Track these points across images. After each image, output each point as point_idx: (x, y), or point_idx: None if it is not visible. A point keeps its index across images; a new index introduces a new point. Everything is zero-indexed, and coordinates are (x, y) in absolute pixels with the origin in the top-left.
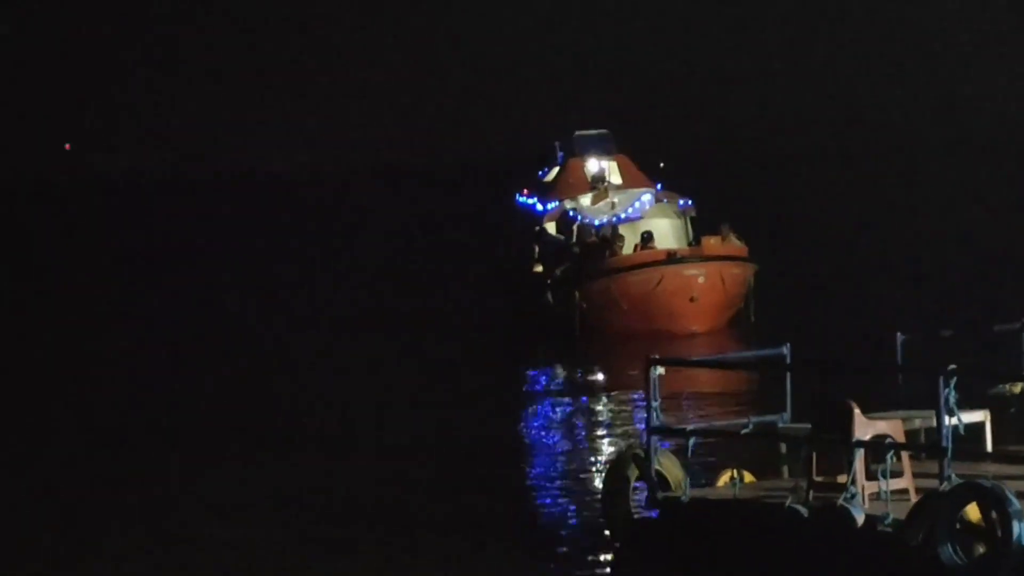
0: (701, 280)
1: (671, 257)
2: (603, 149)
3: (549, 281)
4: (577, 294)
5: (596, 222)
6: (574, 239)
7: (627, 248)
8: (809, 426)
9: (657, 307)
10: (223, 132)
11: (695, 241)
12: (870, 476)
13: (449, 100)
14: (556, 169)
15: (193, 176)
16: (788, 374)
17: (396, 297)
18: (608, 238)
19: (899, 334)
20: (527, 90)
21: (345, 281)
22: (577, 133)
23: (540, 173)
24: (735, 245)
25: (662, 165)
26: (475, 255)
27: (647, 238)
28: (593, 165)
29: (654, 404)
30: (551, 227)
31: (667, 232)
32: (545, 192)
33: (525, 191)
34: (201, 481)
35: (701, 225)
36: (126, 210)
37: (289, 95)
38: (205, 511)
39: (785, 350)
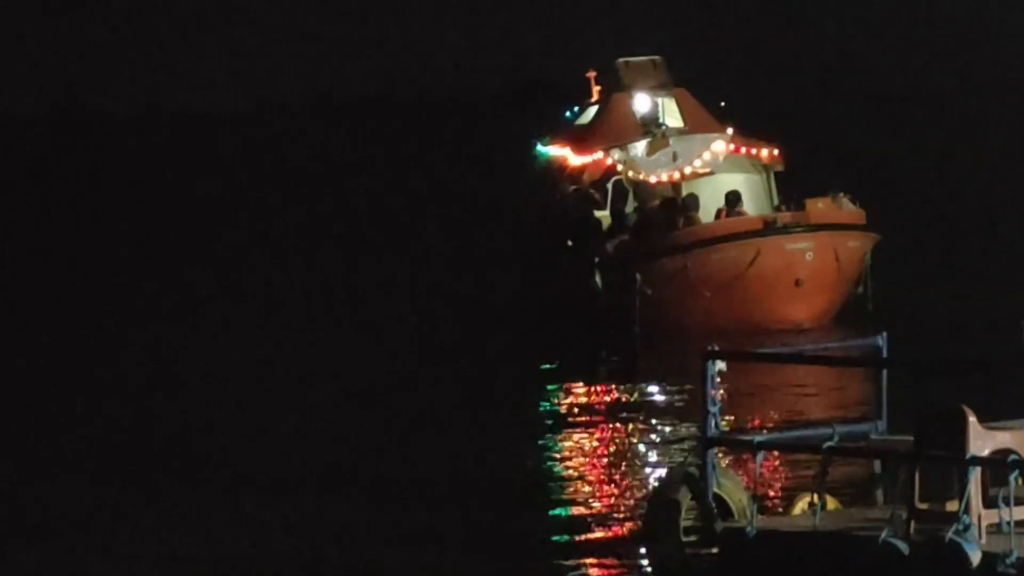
0: (809, 256)
1: (769, 226)
2: (656, 81)
3: (597, 259)
4: (638, 277)
5: (652, 178)
6: (629, 202)
7: (706, 214)
8: (911, 439)
9: (751, 293)
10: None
11: (784, 203)
12: (988, 503)
13: (439, 13)
14: (593, 108)
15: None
16: (884, 372)
17: (380, 274)
18: (679, 201)
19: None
20: (545, 8)
21: (317, 249)
22: (620, 60)
23: (568, 113)
24: (849, 210)
25: (723, 104)
26: (482, 219)
27: (733, 200)
28: (644, 103)
29: (712, 409)
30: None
31: (744, 192)
32: (580, 139)
33: (547, 137)
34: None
35: (788, 182)
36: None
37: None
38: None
39: (880, 341)
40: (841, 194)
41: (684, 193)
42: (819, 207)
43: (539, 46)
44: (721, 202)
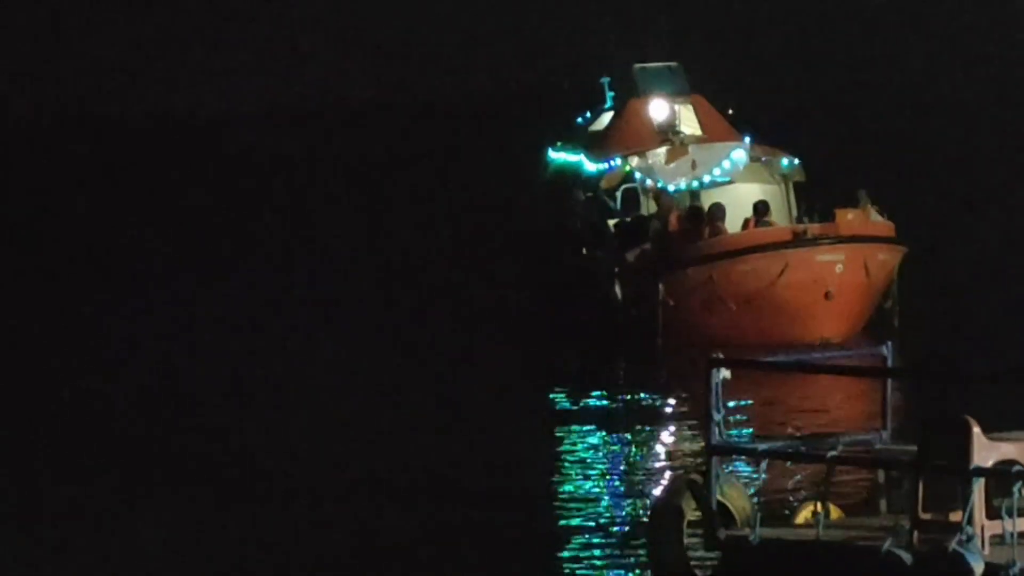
0: (839, 269)
1: (799, 237)
2: (674, 87)
3: (617, 270)
4: (661, 288)
5: (671, 187)
6: (647, 210)
7: (732, 223)
8: (914, 448)
9: (778, 306)
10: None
11: (807, 214)
12: (992, 514)
13: (447, 18)
14: (607, 115)
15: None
16: (888, 382)
17: (389, 284)
18: (704, 211)
19: None
20: (552, 8)
21: (319, 256)
22: (637, 66)
23: (580, 119)
24: (879, 221)
25: (731, 111)
26: (493, 226)
27: (763, 210)
28: (661, 109)
29: (716, 417)
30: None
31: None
32: (595, 145)
33: (559, 144)
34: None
35: (810, 192)
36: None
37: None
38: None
39: (885, 350)
40: (869, 204)
41: (702, 202)
42: (849, 218)
43: (549, 51)
44: (739, 212)
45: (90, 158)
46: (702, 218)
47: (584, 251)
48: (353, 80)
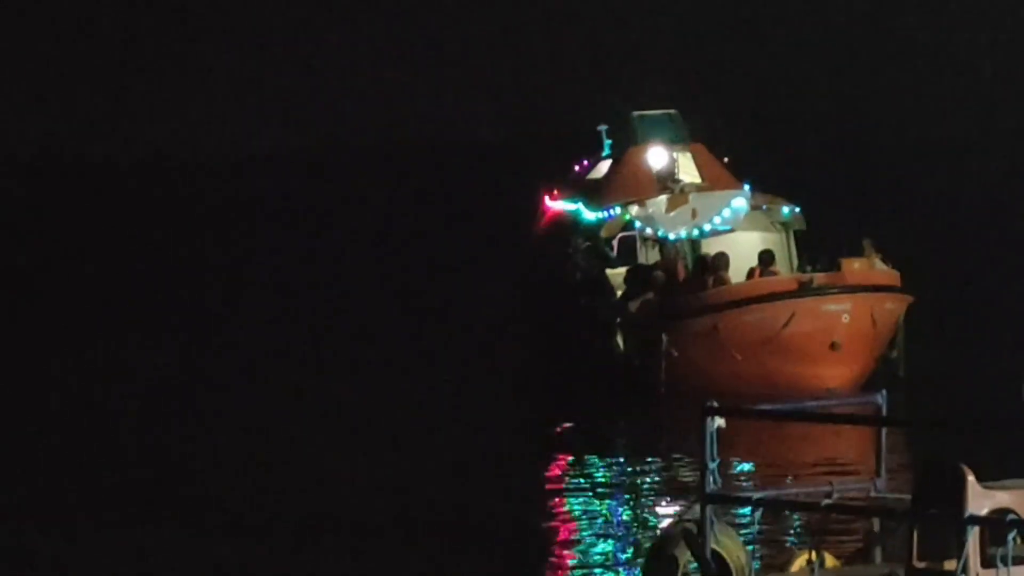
0: (846, 319)
1: (804, 287)
2: (673, 135)
3: (620, 320)
4: (664, 337)
5: (672, 236)
6: (645, 259)
7: (733, 272)
8: (909, 497)
9: (784, 356)
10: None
11: (810, 263)
12: (987, 563)
13: (444, 63)
14: (605, 163)
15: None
16: (882, 430)
17: (385, 329)
18: (709, 259)
19: None
20: (548, 56)
21: (317, 301)
22: (636, 114)
23: (577, 167)
24: (884, 270)
25: (727, 160)
26: (489, 274)
27: (768, 259)
28: (660, 157)
29: (711, 465)
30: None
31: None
32: (594, 193)
33: (555, 192)
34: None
35: (810, 241)
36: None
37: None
38: None
39: (880, 399)
40: (874, 253)
41: (702, 251)
42: (855, 267)
43: (545, 98)
44: (740, 261)
45: (85, 201)
46: (706, 267)
47: (584, 301)
48: (350, 124)
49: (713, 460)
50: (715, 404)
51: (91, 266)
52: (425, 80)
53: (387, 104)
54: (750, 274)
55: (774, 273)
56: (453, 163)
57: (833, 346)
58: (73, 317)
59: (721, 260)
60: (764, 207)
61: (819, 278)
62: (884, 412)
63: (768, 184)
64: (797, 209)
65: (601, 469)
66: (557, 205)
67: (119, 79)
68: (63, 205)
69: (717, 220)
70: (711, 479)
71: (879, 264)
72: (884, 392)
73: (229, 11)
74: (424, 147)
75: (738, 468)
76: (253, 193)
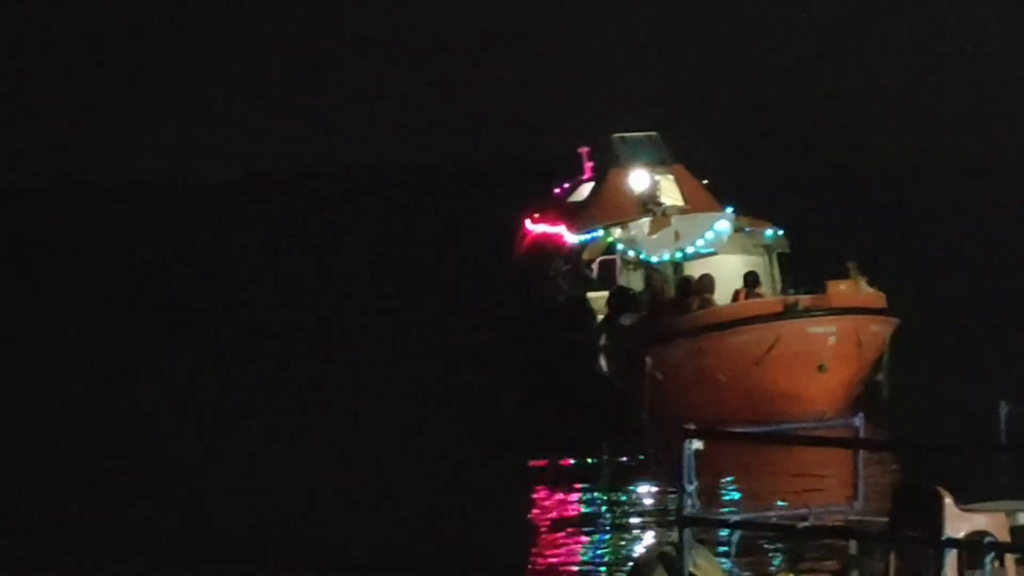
0: (832, 341)
1: (790, 309)
2: (654, 157)
3: (603, 342)
4: (648, 361)
5: (654, 258)
6: (626, 282)
7: (721, 295)
8: (887, 519)
9: (770, 378)
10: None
11: (791, 286)
12: None
13: (427, 88)
14: (587, 186)
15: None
16: (859, 452)
17: (368, 358)
18: (694, 282)
19: (1003, 404)
20: (522, 78)
21: (299, 332)
22: (616, 136)
23: (558, 190)
24: (870, 292)
25: (706, 182)
26: (470, 298)
27: (753, 281)
28: (641, 179)
29: (689, 488)
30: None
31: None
32: (574, 217)
33: (535, 215)
34: None
35: (793, 263)
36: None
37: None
38: None
39: (857, 421)
40: (859, 275)
41: (684, 274)
42: (841, 289)
43: (526, 121)
44: (723, 283)
45: (72, 223)
46: (691, 289)
47: (566, 324)
48: (334, 151)
49: (691, 483)
50: (692, 427)
51: (81, 289)
52: (405, 106)
53: (369, 128)
54: (735, 296)
55: (760, 295)
56: (434, 187)
57: (820, 368)
58: (65, 341)
59: (706, 282)
60: (747, 229)
61: (805, 300)
62: (861, 435)
63: (751, 206)
64: (780, 232)
65: (581, 495)
66: (538, 228)
67: (112, 101)
68: (49, 229)
69: (700, 242)
70: (689, 502)
71: (864, 286)
72: (861, 415)
73: (223, 32)
74: (406, 172)
75: (719, 491)
76: (235, 216)
